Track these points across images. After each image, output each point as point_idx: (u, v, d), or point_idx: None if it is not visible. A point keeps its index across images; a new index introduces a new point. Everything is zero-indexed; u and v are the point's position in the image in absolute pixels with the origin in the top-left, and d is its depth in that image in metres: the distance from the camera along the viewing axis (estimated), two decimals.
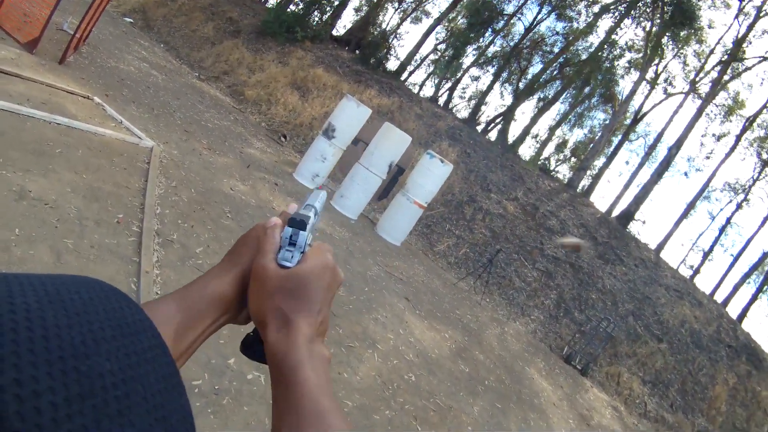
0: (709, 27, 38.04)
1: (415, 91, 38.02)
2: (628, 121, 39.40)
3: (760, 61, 36.17)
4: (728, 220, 39.69)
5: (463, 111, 43.42)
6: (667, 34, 35.77)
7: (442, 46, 42.97)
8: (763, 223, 36.96)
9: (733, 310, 33.00)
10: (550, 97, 39.10)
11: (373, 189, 16.48)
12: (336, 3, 36.72)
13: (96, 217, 6.70)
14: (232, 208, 9.86)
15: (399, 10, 42.31)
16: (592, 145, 39.26)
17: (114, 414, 0.46)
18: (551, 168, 40.46)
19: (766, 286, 36.39)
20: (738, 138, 37.52)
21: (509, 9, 39.57)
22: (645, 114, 39.52)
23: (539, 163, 35.92)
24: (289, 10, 33.52)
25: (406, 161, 19.52)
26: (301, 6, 34.99)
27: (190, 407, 0.59)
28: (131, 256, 6.38)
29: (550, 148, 44.20)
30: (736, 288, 35.94)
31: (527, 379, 12.38)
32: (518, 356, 13.73)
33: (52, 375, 0.44)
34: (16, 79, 10.45)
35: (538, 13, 39.01)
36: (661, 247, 33.74)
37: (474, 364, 10.73)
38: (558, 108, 42.84)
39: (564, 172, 42.92)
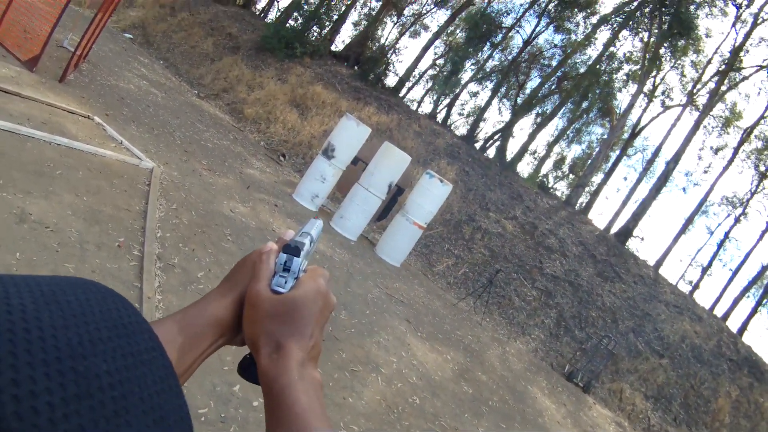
0: (707, 36, 38.02)
1: (414, 107, 38.11)
2: (625, 136, 39.36)
3: (757, 70, 36.17)
4: (726, 235, 39.64)
5: (461, 128, 43.43)
6: (664, 44, 35.78)
7: (441, 61, 43.03)
8: (761, 237, 36.93)
9: (733, 324, 32.92)
10: (548, 112, 39.03)
11: (373, 209, 16.44)
12: (335, 18, 36.83)
13: (97, 240, 6.65)
14: (232, 231, 9.80)
15: (398, 24, 42.34)
16: (590, 161, 39.23)
17: (111, 415, 0.47)
18: (550, 185, 40.36)
19: (765, 300, 36.30)
20: (736, 150, 37.52)
21: (508, 22, 39.73)
22: (643, 128, 39.57)
23: (537, 180, 35.87)
24: (288, 25, 33.61)
25: (406, 181, 19.45)
26: (300, 21, 35.04)
27: (188, 408, 0.59)
28: (133, 281, 6.32)
29: (549, 164, 44.22)
30: (735, 302, 35.80)
31: (530, 398, 12.34)
32: (520, 376, 13.67)
33: (49, 375, 0.44)
34: (16, 98, 10.40)
35: (537, 26, 38.97)
36: (659, 263, 33.68)
37: (477, 385, 10.66)
38: (556, 123, 42.97)
39: (562, 188, 42.96)
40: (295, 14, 35.92)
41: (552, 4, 37.90)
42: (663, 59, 36.89)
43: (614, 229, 33.65)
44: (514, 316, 19.59)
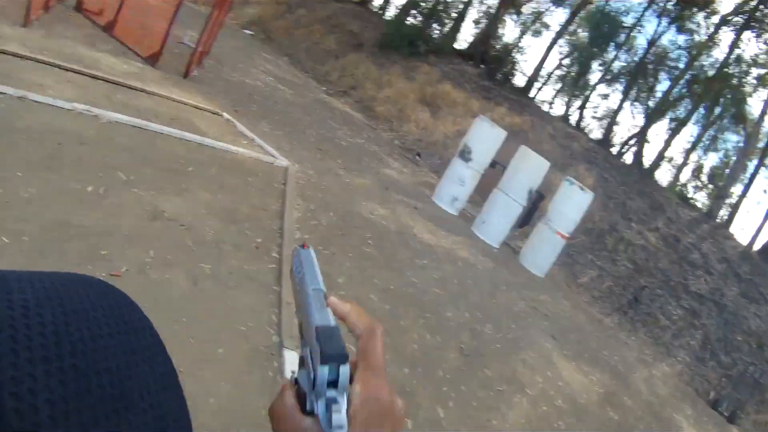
0: None
1: (545, 108, 37.56)
2: (762, 144, 37.61)
3: None
4: None
5: (595, 131, 42.74)
6: None
7: (567, 61, 42.46)
8: None
9: None
10: (681, 117, 37.95)
11: (515, 215, 16.16)
12: (454, 15, 36.60)
13: (234, 240, 6.57)
14: (373, 235, 9.60)
15: (518, 22, 41.88)
16: (728, 170, 37.80)
17: (111, 412, 0.47)
18: (689, 195, 39.17)
19: None
20: None
21: (628, 21, 39.19)
22: None
23: (676, 189, 34.90)
24: (407, 22, 33.57)
25: (545, 186, 19.04)
26: (419, 18, 34.94)
27: (187, 406, 0.58)
28: (272, 285, 6.19)
29: (686, 172, 42.96)
30: None
31: (675, 426, 11.75)
32: (666, 402, 13.05)
33: (50, 372, 0.44)
34: (141, 94, 10.49)
35: (658, 25, 38.27)
36: None
37: (623, 410, 10.14)
38: (691, 129, 41.65)
39: (702, 199, 41.62)
40: (413, 11, 35.92)
41: (670, 3, 37.01)
42: None
43: (757, 246, 32.33)
44: (660, 336, 18.84)
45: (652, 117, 37.70)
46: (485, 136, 15.91)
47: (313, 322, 0.78)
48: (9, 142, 7.00)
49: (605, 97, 44.50)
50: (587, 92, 40.92)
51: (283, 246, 7.03)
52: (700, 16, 37.23)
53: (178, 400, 0.57)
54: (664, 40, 39.94)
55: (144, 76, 11.80)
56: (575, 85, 39.30)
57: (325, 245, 7.92)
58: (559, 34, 38.47)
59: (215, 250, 6.11)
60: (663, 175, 44.81)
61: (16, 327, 0.43)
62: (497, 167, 17.57)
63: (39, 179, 6.39)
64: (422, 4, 35.90)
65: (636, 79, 39.81)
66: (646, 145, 38.31)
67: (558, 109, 42.60)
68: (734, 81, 35.66)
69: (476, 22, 42.39)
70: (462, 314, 8.55)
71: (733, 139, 40.48)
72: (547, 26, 43.33)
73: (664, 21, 37.89)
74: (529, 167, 15.92)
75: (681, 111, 38.43)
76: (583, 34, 41.68)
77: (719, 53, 37.24)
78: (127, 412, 0.47)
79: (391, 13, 40.77)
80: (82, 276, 0.55)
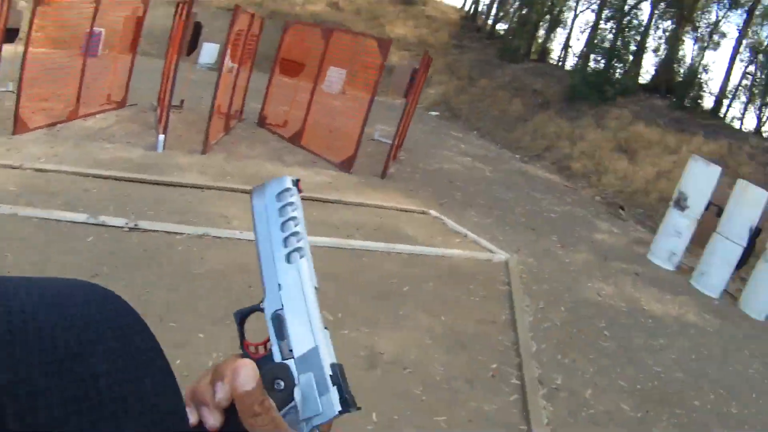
0: None
1: (737, 126, 35.13)
2: None
3: None
4: None
5: None
6: None
7: (752, 68, 39.70)
8: None
9: None
10: None
11: (735, 259, 14.32)
12: (633, 49, 35.47)
13: (466, 373, 5.83)
14: (606, 322, 8.22)
15: (693, 37, 39.64)
16: None
17: (109, 415, 0.47)
18: None
19: None
20: None
21: None
22: None
23: None
24: (590, 68, 32.71)
25: (762, 220, 17.45)
26: (601, 61, 33.73)
27: (185, 408, 0.58)
28: (518, 424, 5.29)
29: None
30: None
31: None
32: None
33: (48, 376, 0.44)
34: (338, 205, 9.98)
35: None
36: None
37: None
38: None
39: None
40: (592, 55, 35.02)
41: None
42: None
43: None
44: None
45: None
46: (701, 178, 14.81)
47: (321, 345, 0.70)
48: (188, 293, 6.38)
49: None
50: None
51: (523, 367, 6.12)
52: None
53: (176, 402, 0.55)
54: None
55: (339, 184, 11.37)
56: (766, 92, 36.52)
57: (564, 353, 6.84)
58: (738, 41, 35.87)
59: (447, 393, 5.37)
60: None
61: (13, 332, 0.43)
62: (711, 208, 16.21)
63: (225, 339, 5.63)
64: (600, 45, 34.72)
65: None
66: None
67: (749, 122, 39.99)
68: None
69: (656, 50, 40.67)
70: (707, 397, 7.03)
71: None
72: (724, 35, 40.97)
73: None
74: (747, 202, 14.47)
75: None
76: (764, 34, 38.48)
77: None
78: (125, 415, 0.47)
79: (570, 62, 39.89)
80: (78, 281, 0.55)
